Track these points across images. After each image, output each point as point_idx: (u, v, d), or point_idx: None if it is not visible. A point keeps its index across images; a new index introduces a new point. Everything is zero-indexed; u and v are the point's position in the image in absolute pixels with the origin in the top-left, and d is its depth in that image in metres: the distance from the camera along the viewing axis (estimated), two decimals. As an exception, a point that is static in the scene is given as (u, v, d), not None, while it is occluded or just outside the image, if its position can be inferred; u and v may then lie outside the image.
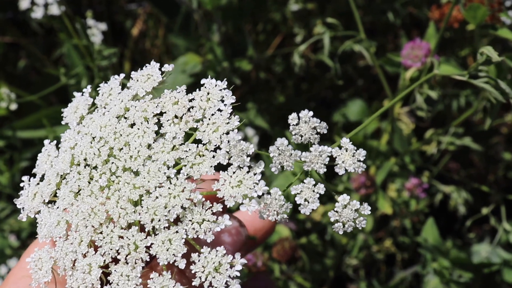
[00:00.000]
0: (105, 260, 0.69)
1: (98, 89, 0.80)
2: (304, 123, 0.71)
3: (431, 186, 1.93)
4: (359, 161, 0.70)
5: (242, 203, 0.68)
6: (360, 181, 1.65)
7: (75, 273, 0.70)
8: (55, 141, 0.80)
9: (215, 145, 0.70)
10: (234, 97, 0.73)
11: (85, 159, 0.74)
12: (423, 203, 1.89)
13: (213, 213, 0.68)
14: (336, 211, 0.69)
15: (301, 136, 0.71)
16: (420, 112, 1.47)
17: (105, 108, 0.77)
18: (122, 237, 0.69)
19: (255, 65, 2.13)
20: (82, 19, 1.78)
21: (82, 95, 0.81)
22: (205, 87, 0.74)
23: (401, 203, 1.86)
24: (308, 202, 0.69)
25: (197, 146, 0.71)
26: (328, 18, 1.51)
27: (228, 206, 0.68)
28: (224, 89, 0.74)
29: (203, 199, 0.68)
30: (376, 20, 2.13)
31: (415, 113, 1.73)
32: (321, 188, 0.69)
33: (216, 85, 0.74)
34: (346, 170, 0.70)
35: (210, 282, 0.67)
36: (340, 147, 0.71)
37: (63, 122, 0.81)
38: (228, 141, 0.69)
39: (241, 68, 1.82)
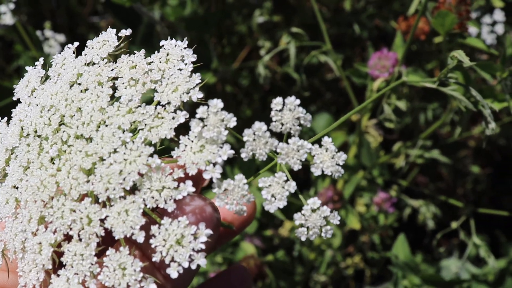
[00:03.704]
0: (56, 238, 0.62)
1: (51, 60, 0.73)
2: (289, 110, 0.63)
3: (399, 200, 1.90)
4: (338, 165, 0.64)
5: (205, 170, 0.60)
6: (327, 195, 1.61)
7: (26, 255, 0.63)
8: (5, 118, 0.73)
9: (175, 106, 0.63)
10: (195, 55, 0.67)
11: (35, 130, 0.67)
12: (392, 218, 1.86)
13: (174, 180, 0.60)
14: (303, 214, 0.63)
15: (282, 124, 0.63)
16: (388, 123, 1.44)
17: (57, 77, 0.71)
18: (74, 211, 0.61)
19: (221, 79, 2.09)
20: (40, 31, 1.72)
21: (35, 68, 0.74)
22: (164, 49, 0.68)
23: (369, 218, 1.83)
24: (275, 199, 0.62)
25: (155, 108, 0.64)
26: (293, 28, 1.48)
27: (190, 174, 0.60)
28: (185, 48, 0.67)
29: (162, 164, 0.61)
30: (343, 32, 2.11)
31: (383, 126, 1.70)
32: (292, 186, 0.62)
33: (176, 45, 0.68)
34: (323, 171, 0.63)
35: (172, 257, 0.59)
36: (320, 146, 0.64)
37: (14, 98, 0.74)
38: (208, 106, 0.61)
39: (205, 81, 1.77)
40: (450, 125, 1.94)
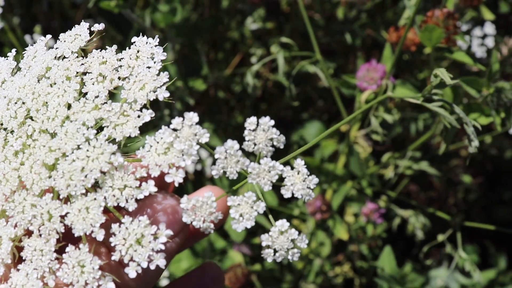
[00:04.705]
0: (17, 232, 0.62)
1: (24, 52, 0.73)
2: (262, 131, 0.63)
3: (389, 210, 1.89)
4: (309, 188, 0.63)
5: (168, 173, 0.60)
6: (315, 205, 1.60)
7: None
8: None
9: (141, 104, 0.63)
10: (165, 54, 0.67)
11: (1, 123, 0.67)
12: (380, 228, 1.85)
13: (136, 179, 0.60)
14: (271, 236, 0.62)
15: (255, 144, 0.63)
16: (375, 135, 1.43)
17: (27, 70, 0.71)
18: (35, 206, 0.61)
19: (214, 85, 2.08)
20: (29, 35, 1.71)
21: (7, 59, 0.74)
22: (135, 45, 0.68)
23: (357, 228, 1.82)
24: (243, 218, 0.62)
25: (121, 106, 0.63)
26: (283, 37, 1.48)
27: (152, 176, 0.60)
28: (156, 46, 0.67)
29: (125, 162, 0.61)
30: (336, 41, 2.10)
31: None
32: (261, 207, 0.62)
33: (147, 42, 0.68)
34: (293, 194, 0.63)
35: (131, 256, 0.59)
36: (292, 168, 0.64)
37: None
38: (183, 119, 0.61)
39: (195, 87, 1.76)
40: (440, 135, 1.94)
